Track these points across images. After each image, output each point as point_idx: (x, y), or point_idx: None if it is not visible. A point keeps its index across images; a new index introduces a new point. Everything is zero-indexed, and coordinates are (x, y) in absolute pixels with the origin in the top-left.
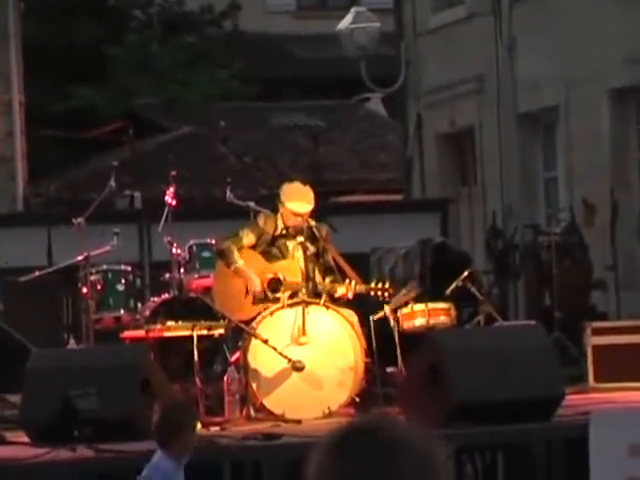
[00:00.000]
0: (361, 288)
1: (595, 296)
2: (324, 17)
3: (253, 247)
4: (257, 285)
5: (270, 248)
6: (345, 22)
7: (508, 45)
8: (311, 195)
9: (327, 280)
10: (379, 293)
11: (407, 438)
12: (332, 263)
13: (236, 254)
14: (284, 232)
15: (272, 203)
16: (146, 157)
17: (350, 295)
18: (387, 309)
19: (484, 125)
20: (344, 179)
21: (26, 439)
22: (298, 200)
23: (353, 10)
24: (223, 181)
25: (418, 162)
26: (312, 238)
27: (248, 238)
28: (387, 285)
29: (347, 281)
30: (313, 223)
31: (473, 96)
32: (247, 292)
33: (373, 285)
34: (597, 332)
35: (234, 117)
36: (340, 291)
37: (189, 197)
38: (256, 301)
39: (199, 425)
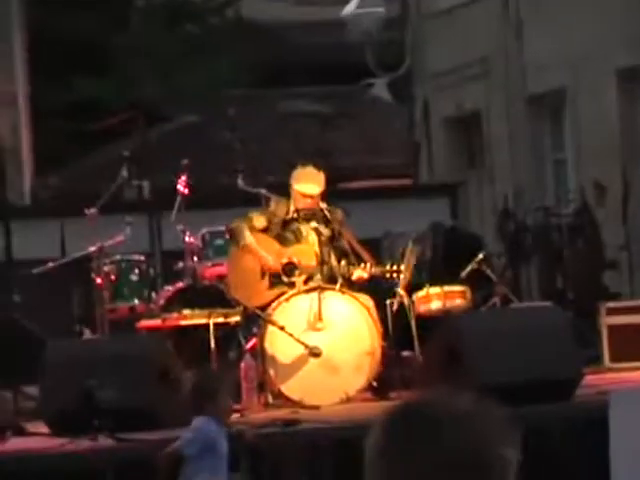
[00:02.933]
0: (377, 270)
1: (608, 276)
2: (326, 3)
3: (265, 231)
4: (269, 260)
5: (284, 232)
6: (350, 7)
7: (515, 27)
8: (321, 178)
9: (342, 263)
10: (394, 275)
11: (464, 414)
12: (347, 247)
13: (247, 232)
14: (296, 216)
15: (279, 190)
16: (152, 147)
17: (366, 276)
18: (400, 291)
19: (491, 108)
20: (351, 165)
21: (46, 430)
22: (306, 182)
23: None
24: (231, 169)
25: (425, 146)
26: (325, 222)
27: (258, 220)
28: (402, 267)
29: (362, 264)
30: (326, 207)
31: (480, 79)
32: (262, 276)
33: (388, 267)
34: (612, 312)
35: (239, 105)
36: (357, 274)
37: (197, 185)
38: (272, 285)
39: None
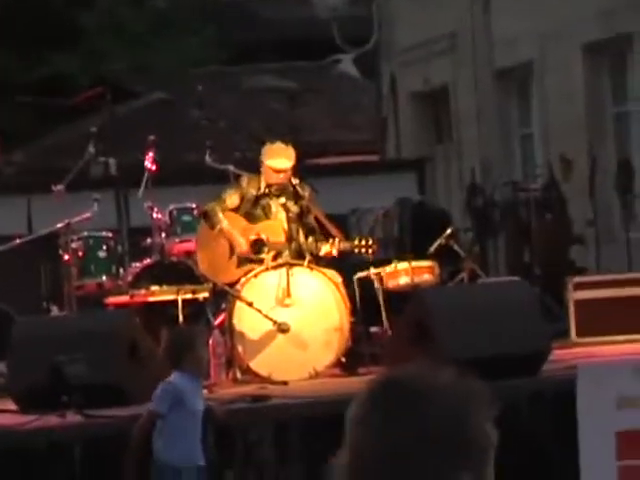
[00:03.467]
0: (345, 245)
1: (575, 251)
2: None
3: (236, 209)
4: (243, 245)
5: (253, 209)
6: None
7: (482, 1)
8: (290, 152)
9: (310, 240)
10: (363, 250)
11: (446, 388)
12: (315, 223)
13: (220, 215)
14: (267, 191)
15: (247, 166)
16: (119, 123)
17: (335, 252)
18: (371, 268)
19: (459, 83)
20: (318, 141)
21: (14, 407)
22: (277, 157)
23: None
24: (198, 146)
25: (393, 122)
26: (295, 198)
27: (231, 199)
28: (370, 241)
29: (331, 239)
30: (296, 182)
31: (447, 54)
32: (231, 254)
33: (357, 242)
34: (579, 287)
35: (206, 82)
36: (325, 249)
37: (165, 162)
38: (240, 263)
39: None
